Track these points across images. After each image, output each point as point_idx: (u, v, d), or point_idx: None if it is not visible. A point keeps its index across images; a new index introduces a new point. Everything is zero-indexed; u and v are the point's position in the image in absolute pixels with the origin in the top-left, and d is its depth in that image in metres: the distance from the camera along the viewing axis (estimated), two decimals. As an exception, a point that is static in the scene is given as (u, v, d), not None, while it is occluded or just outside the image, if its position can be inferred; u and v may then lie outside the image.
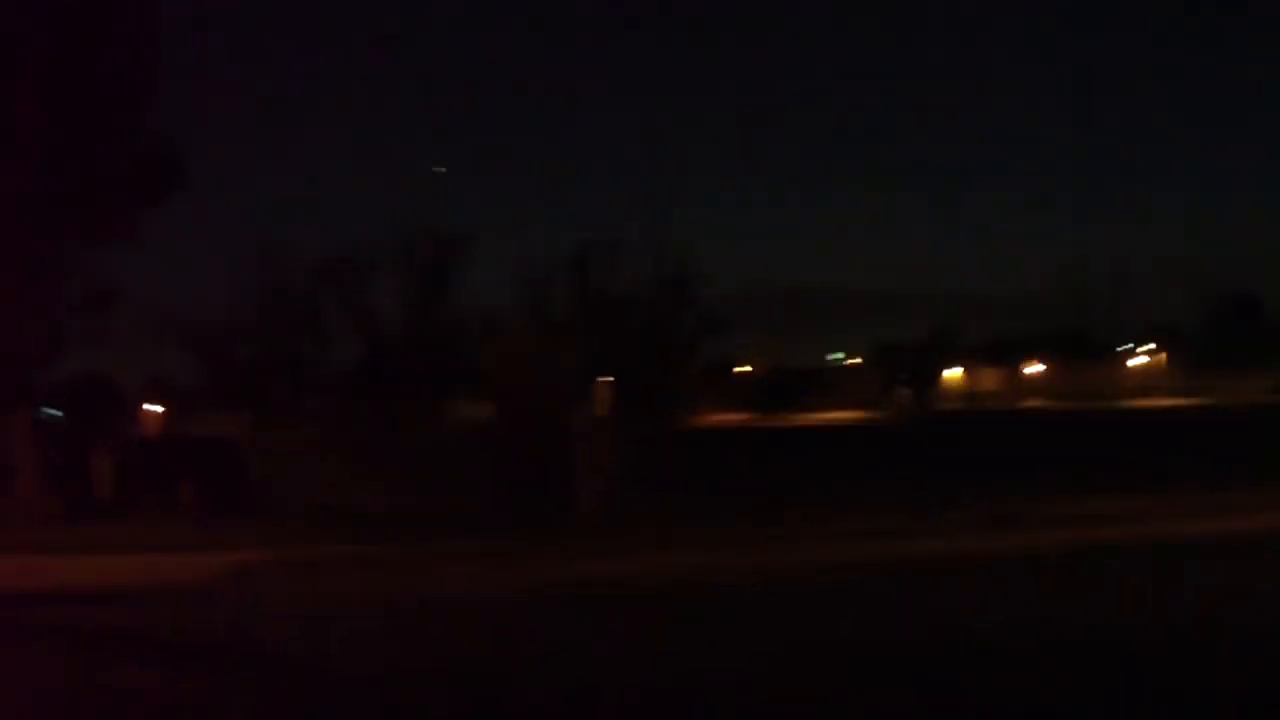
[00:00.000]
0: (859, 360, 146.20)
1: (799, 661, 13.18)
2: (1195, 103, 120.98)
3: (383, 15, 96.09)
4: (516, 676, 12.74)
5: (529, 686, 12.34)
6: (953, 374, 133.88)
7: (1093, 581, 18.25)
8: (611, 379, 36.66)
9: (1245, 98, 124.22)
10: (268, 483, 32.53)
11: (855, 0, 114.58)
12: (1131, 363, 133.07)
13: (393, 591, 18.82)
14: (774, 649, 13.76)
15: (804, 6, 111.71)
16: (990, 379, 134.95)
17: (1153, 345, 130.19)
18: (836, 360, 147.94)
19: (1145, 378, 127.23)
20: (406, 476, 32.61)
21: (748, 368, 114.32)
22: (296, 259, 37.73)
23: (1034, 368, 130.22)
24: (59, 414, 42.67)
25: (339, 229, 47.40)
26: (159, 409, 75.35)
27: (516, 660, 13.51)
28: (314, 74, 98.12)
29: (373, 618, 16.54)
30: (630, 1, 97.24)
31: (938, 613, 16.00)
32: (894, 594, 17.68)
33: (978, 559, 20.89)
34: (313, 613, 16.88)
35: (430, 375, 37.78)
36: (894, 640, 14.18)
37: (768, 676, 12.56)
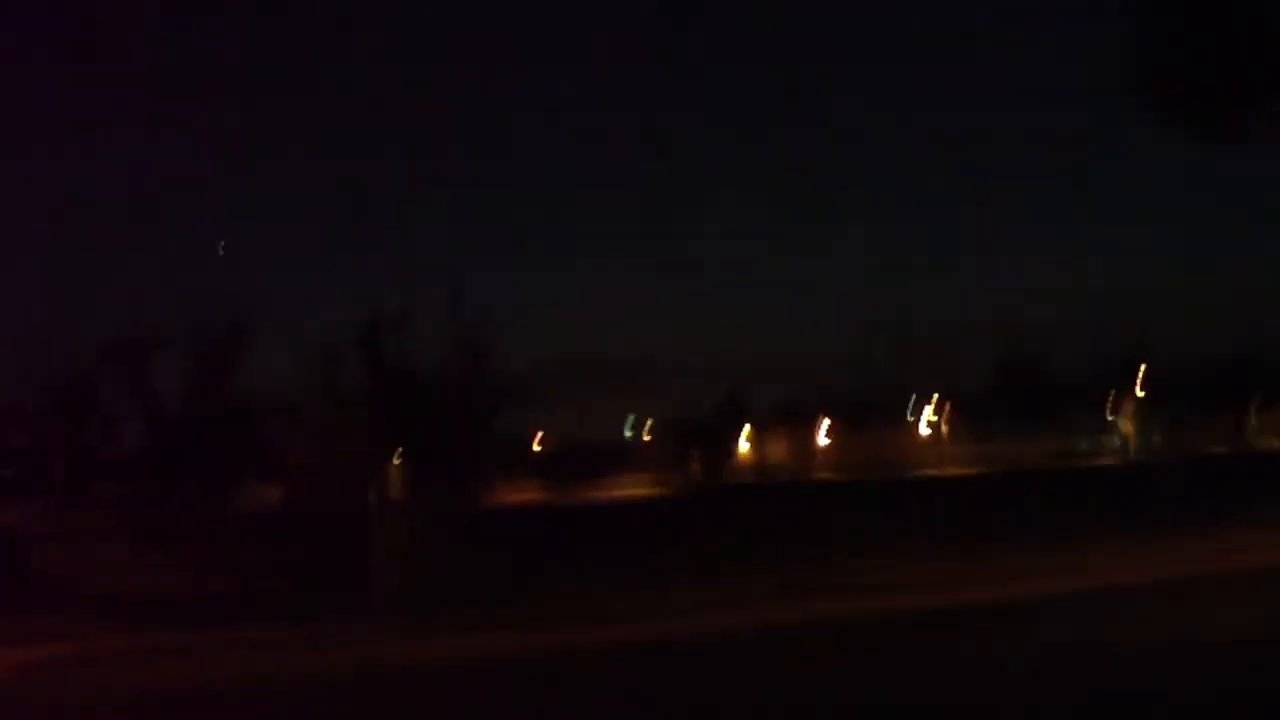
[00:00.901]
0: (649, 434, 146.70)
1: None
2: (973, 169, 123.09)
3: (167, 85, 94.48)
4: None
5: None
6: (743, 445, 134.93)
7: (880, 650, 18.48)
8: (405, 456, 36.45)
9: (1032, 160, 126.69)
10: (56, 571, 31.82)
11: (639, 76, 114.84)
12: (921, 428, 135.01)
13: (176, 682, 18.47)
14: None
15: (592, 81, 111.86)
16: (781, 449, 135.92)
17: (934, 417, 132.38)
18: (630, 433, 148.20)
19: (932, 445, 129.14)
20: (197, 561, 32.09)
21: (539, 444, 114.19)
22: (78, 339, 37.09)
23: (823, 439, 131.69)
24: None
25: (122, 308, 46.53)
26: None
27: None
28: (95, 148, 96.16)
29: (154, 712, 16.23)
30: (427, 66, 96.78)
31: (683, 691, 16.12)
32: (658, 673, 17.72)
33: (748, 632, 21.04)
34: (96, 711, 16.53)
35: (220, 457, 37.22)
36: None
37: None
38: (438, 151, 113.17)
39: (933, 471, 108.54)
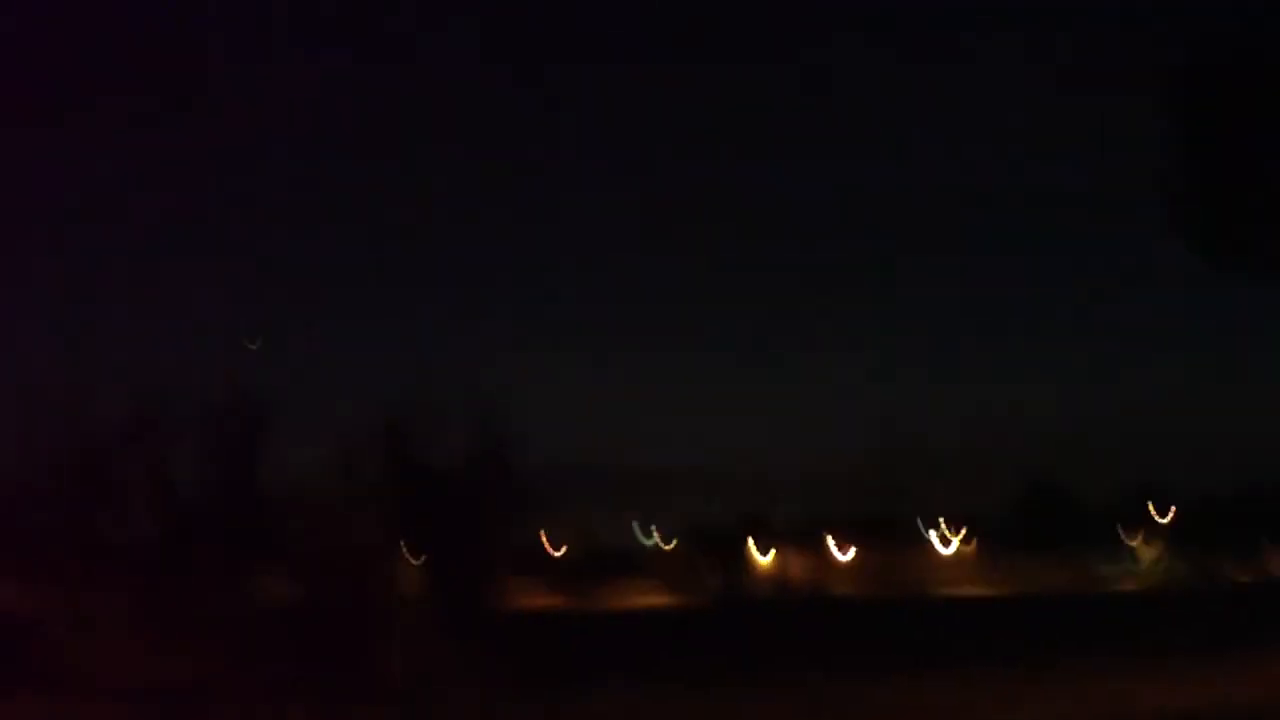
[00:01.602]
0: (668, 545, 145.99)
1: None
2: (993, 295, 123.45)
3: (188, 164, 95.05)
4: None
5: None
6: (763, 559, 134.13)
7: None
8: (421, 553, 35.84)
9: (1047, 288, 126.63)
10: (56, 659, 31.14)
11: (657, 173, 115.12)
12: (943, 550, 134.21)
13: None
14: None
15: (613, 180, 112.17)
16: (800, 564, 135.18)
17: (961, 533, 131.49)
18: (648, 542, 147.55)
19: (955, 566, 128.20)
20: (213, 650, 31.49)
21: (555, 549, 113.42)
22: (95, 421, 36.54)
23: (845, 555, 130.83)
24: None
25: (141, 393, 46.14)
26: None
27: None
28: (117, 229, 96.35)
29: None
30: (445, 163, 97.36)
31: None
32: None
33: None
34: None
35: (236, 545, 36.60)
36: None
37: None
38: (460, 244, 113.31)
39: (955, 592, 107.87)
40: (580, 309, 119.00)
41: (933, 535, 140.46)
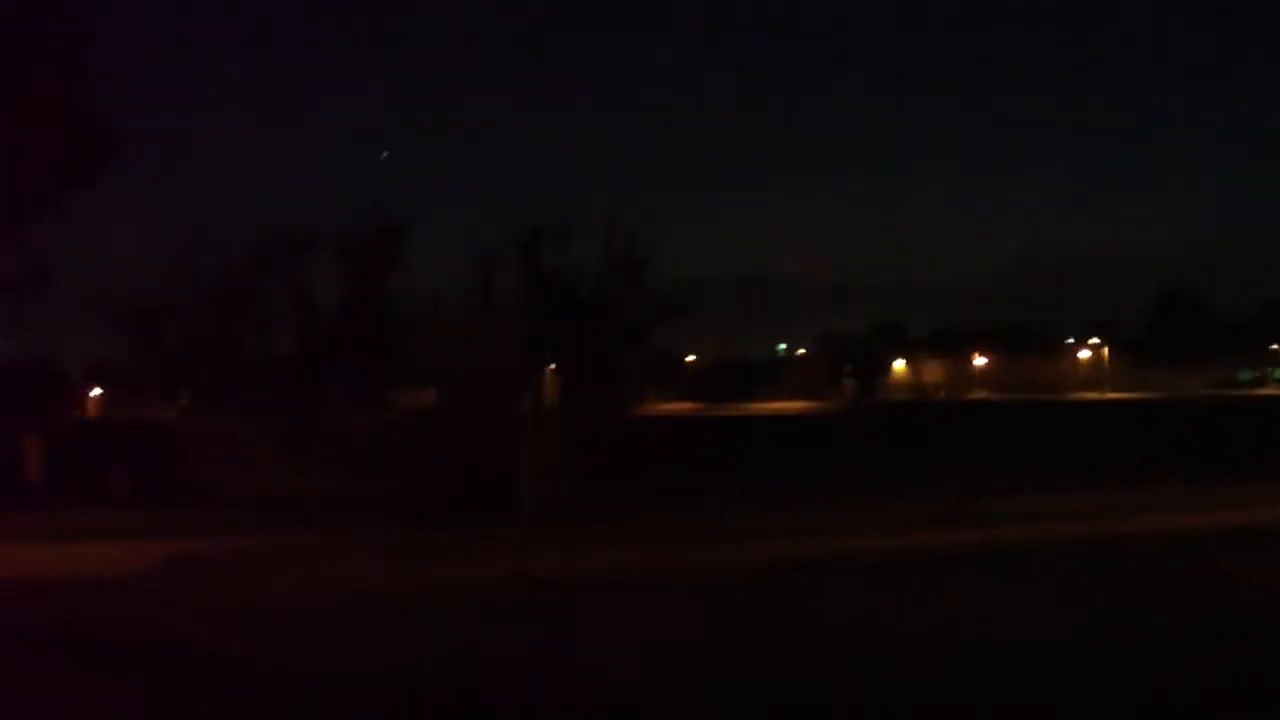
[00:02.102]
0: (804, 352, 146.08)
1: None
2: (1132, 111, 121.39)
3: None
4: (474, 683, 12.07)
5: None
6: (898, 366, 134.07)
7: (1043, 581, 17.76)
8: (559, 366, 35.95)
9: (1185, 105, 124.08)
10: (203, 470, 31.69)
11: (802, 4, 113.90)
12: (1079, 354, 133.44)
13: (326, 586, 18.05)
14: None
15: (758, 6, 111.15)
16: (935, 371, 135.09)
17: (1096, 340, 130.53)
18: (783, 351, 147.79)
19: (1089, 371, 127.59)
20: (345, 464, 31.85)
21: (694, 357, 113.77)
22: (233, 240, 36.78)
23: (979, 360, 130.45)
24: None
25: (278, 210, 46.16)
26: (98, 393, 74.36)
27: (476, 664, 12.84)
28: (254, 53, 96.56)
29: (304, 615, 15.82)
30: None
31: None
32: (847, 595, 17.12)
33: (925, 556, 20.34)
34: (243, 608, 16.20)
35: (372, 361, 36.89)
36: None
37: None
38: (601, 67, 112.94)
39: (1091, 396, 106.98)
40: (718, 124, 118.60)
41: (1069, 342, 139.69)
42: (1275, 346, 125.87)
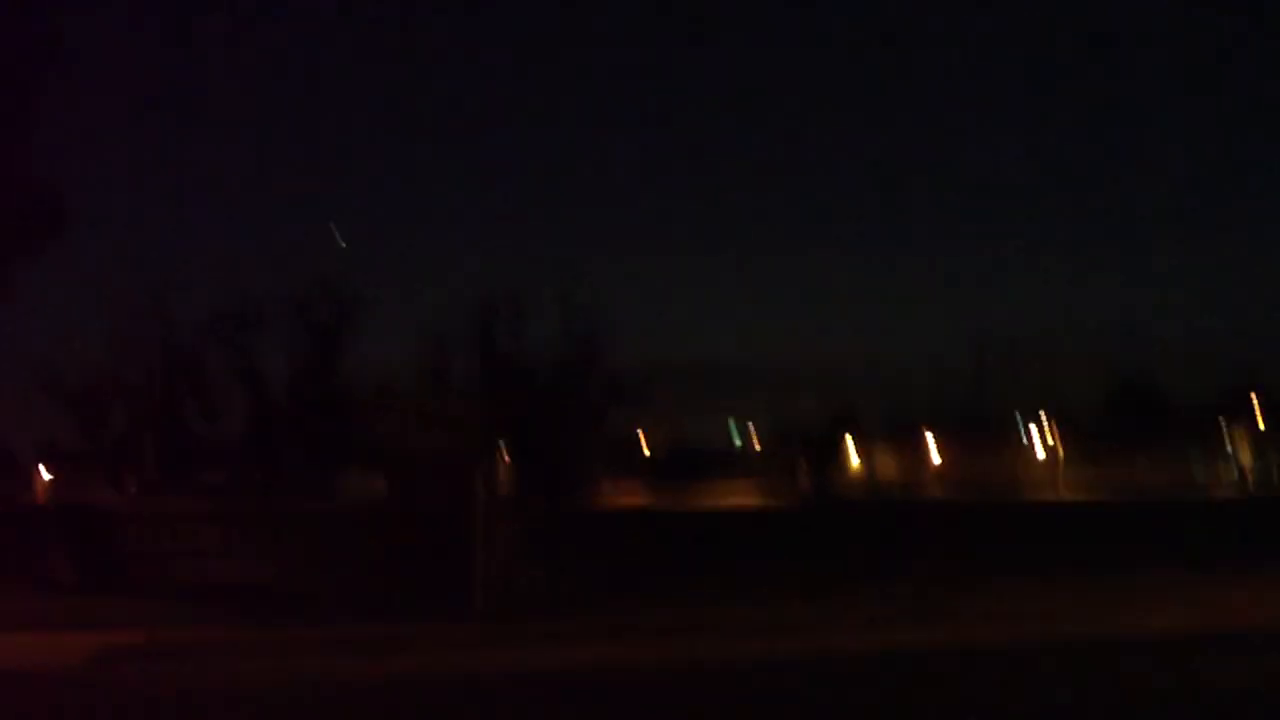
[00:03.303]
0: (759, 444, 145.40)
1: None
2: (1075, 192, 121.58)
3: (278, 64, 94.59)
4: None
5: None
6: (853, 461, 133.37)
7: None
8: (513, 452, 35.21)
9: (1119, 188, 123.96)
10: (148, 556, 30.76)
11: (769, 71, 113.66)
12: (1034, 449, 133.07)
13: (268, 681, 17.18)
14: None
15: (714, 78, 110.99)
16: (890, 465, 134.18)
17: (1048, 439, 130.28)
18: (737, 442, 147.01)
19: (1047, 468, 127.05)
20: (295, 552, 31.01)
21: (647, 447, 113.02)
22: (182, 315, 36.11)
23: (936, 457, 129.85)
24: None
25: (228, 287, 45.40)
26: (47, 475, 73.12)
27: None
28: (206, 127, 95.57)
29: (242, 710, 14.99)
30: (536, 54, 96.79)
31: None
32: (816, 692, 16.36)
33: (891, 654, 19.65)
34: (181, 704, 15.37)
35: (323, 444, 36.12)
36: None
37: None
38: (552, 141, 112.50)
39: (1049, 497, 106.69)
40: (672, 206, 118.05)
41: (1026, 436, 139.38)
42: (1229, 448, 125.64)
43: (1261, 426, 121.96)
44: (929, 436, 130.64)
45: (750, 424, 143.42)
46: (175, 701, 15.62)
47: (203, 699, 15.80)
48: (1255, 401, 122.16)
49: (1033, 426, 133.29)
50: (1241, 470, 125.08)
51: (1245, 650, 20.00)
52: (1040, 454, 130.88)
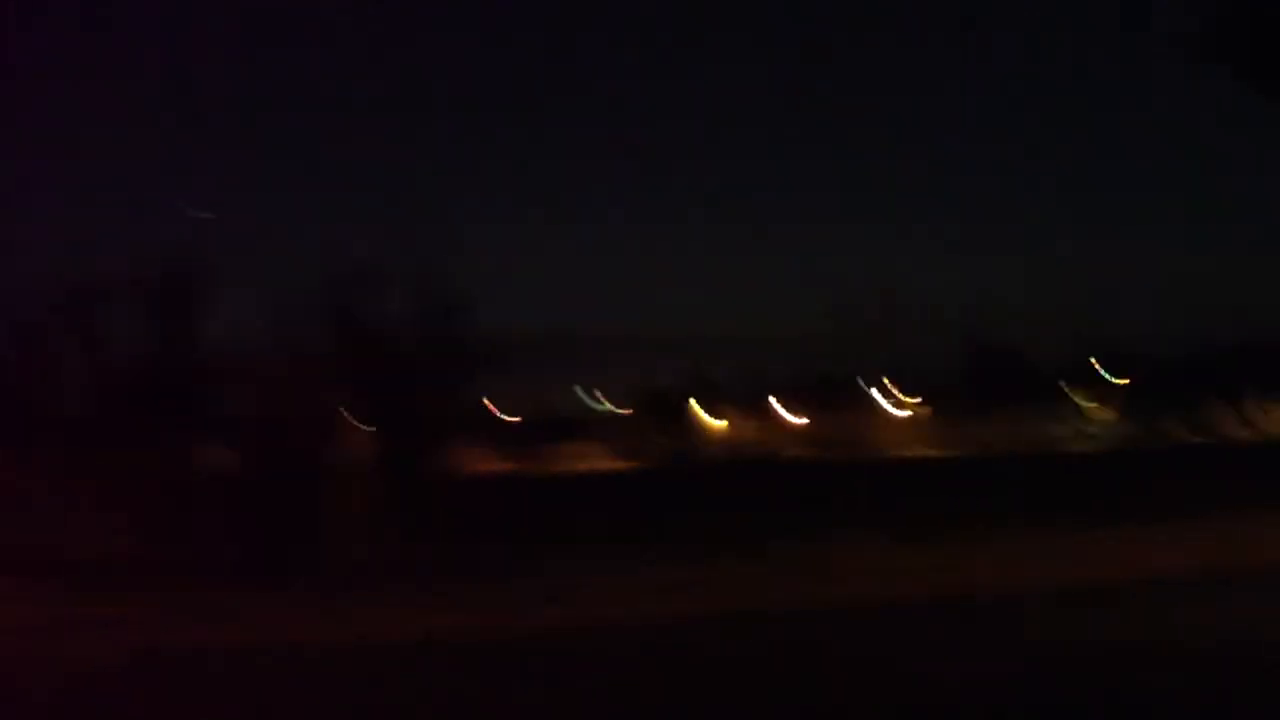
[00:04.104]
0: (615, 408, 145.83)
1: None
2: (953, 152, 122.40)
3: (126, 37, 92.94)
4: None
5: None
6: (714, 421, 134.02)
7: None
8: (369, 419, 34.80)
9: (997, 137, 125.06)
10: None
11: (634, 31, 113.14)
12: (894, 412, 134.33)
13: (106, 655, 16.79)
14: None
15: (580, 43, 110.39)
16: (750, 426, 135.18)
17: (914, 399, 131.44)
18: (597, 406, 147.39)
19: (903, 427, 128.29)
20: (146, 524, 30.50)
21: (506, 414, 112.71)
22: (27, 285, 35.27)
23: (797, 417, 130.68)
24: None
25: (77, 260, 44.25)
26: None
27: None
28: (47, 94, 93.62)
29: (87, 682, 14.63)
30: (397, 21, 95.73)
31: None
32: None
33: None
34: (35, 679, 15.01)
35: (174, 414, 35.49)
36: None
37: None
38: (407, 107, 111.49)
39: (907, 453, 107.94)
40: (528, 175, 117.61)
41: (882, 398, 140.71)
42: (1087, 404, 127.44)
43: (1113, 381, 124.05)
44: (784, 400, 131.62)
45: (608, 391, 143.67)
46: (17, 681, 15.23)
47: (43, 679, 15.42)
48: (1098, 365, 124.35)
49: (892, 389, 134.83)
50: (1093, 428, 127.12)
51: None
52: (897, 413, 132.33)
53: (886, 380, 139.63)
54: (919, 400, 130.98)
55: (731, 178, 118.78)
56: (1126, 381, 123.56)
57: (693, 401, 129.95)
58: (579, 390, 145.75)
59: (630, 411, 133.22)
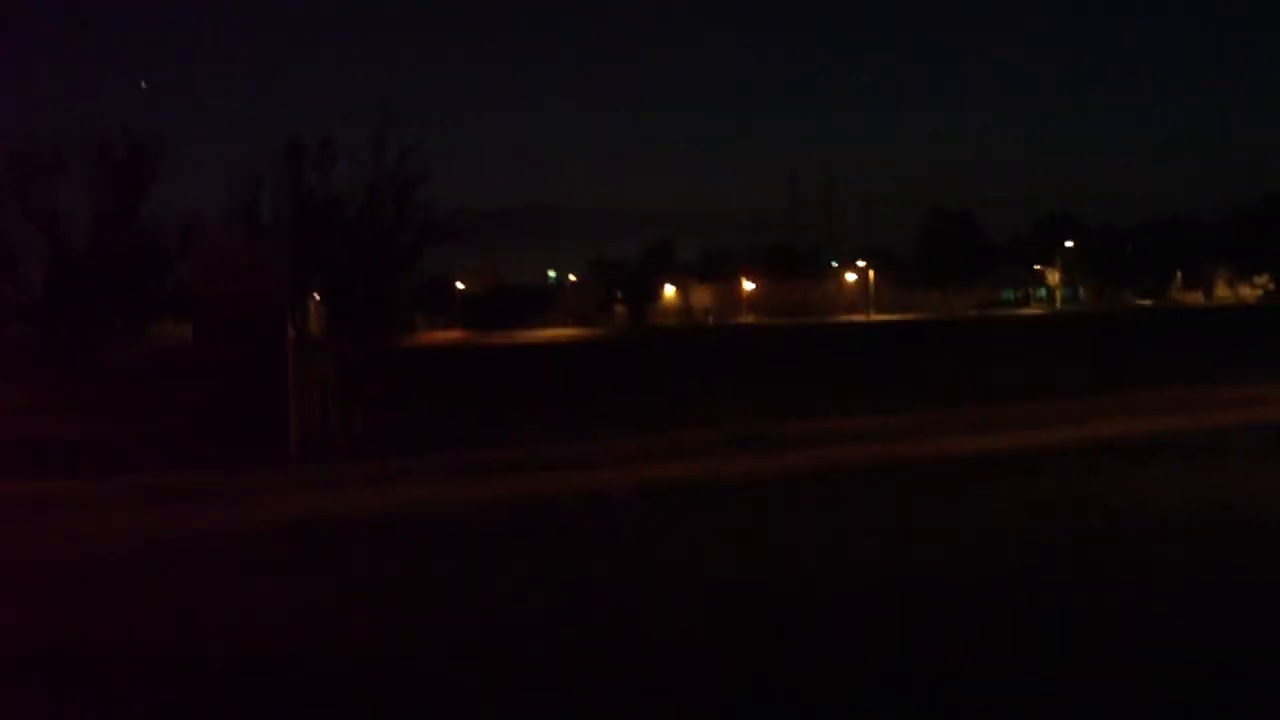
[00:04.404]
0: (574, 278, 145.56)
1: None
2: (913, 28, 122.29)
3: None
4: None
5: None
6: (669, 291, 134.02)
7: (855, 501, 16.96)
8: (325, 292, 34.53)
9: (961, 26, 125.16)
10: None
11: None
12: (847, 278, 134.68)
13: (82, 536, 16.56)
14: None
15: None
16: (705, 296, 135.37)
17: (863, 263, 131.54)
18: (554, 278, 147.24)
19: (857, 295, 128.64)
20: (105, 404, 30.16)
21: (464, 285, 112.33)
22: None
23: (748, 285, 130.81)
24: None
25: (22, 131, 43.40)
26: None
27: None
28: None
29: (49, 570, 14.43)
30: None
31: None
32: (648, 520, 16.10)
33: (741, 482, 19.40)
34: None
35: (129, 291, 35.12)
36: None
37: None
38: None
39: (858, 318, 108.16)
40: (490, 53, 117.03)
41: (836, 265, 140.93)
42: (1038, 268, 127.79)
43: (1068, 244, 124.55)
44: (740, 269, 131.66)
45: (566, 262, 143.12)
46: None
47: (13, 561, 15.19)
48: (1063, 237, 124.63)
49: (850, 259, 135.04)
50: (1050, 292, 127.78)
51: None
52: (852, 278, 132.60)
53: (845, 251, 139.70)
54: (869, 266, 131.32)
55: (694, 57, 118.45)
56: (1073, 245, 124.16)
57: (649, 272, 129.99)
58: (543, 262, 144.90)
59: (588, 282, 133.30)
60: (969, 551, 13.90)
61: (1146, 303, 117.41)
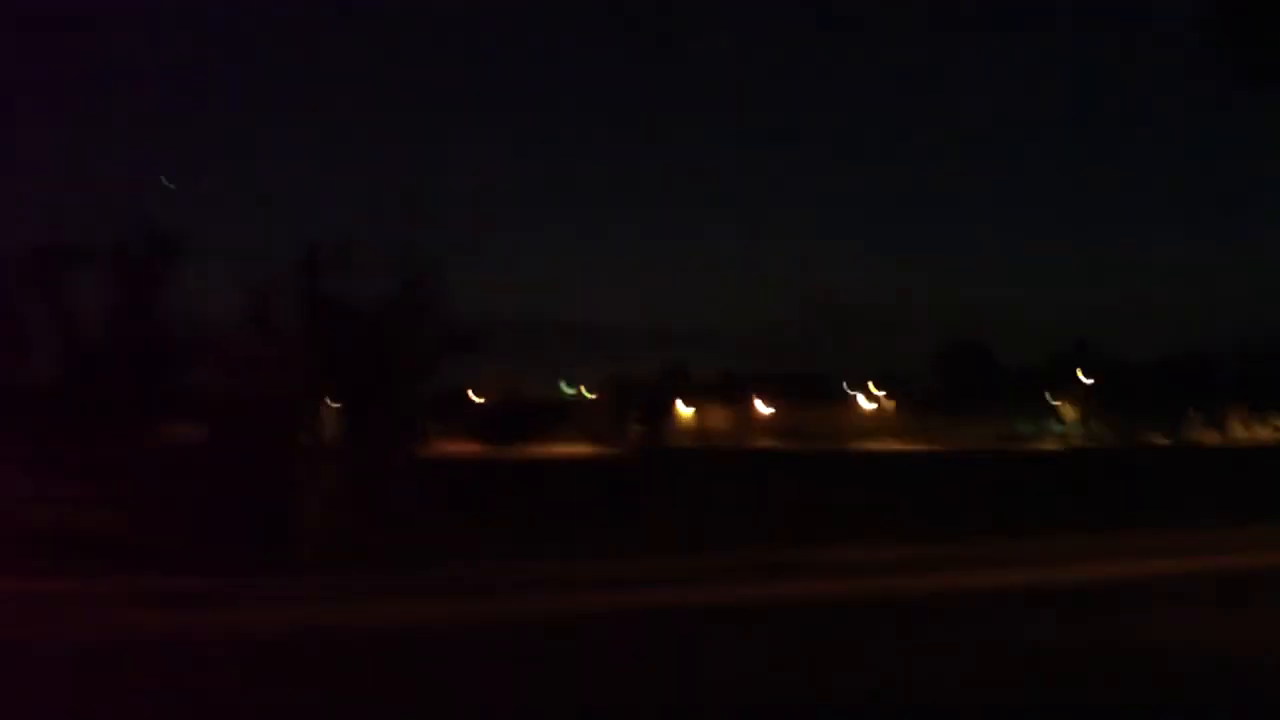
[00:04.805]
0: (592, 395, 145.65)
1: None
2: (913, 150, 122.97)
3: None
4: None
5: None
6: (685, 411, 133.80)
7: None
8: (339, 399, 34.21)
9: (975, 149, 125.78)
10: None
11: (604, 32, 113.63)
12: (864, 405, 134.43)
13: (87, 635, 16.25)
14: None
15: (560, 39, 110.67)
16: (721, 417, 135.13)
17: (883, 392, 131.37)
18: (570, 393, 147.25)
19: (875, 421, 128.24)
20: (112, 501, 29.89)
21: (479, 397, 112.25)
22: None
23: (765, 409, 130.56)
24: None
25: (45, 223, 43.44)
26: None
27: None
28: (26, 58, 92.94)
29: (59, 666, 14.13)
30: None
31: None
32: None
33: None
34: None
35: (141, 390, 34.89)
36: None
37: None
38: (394, 87, 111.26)
39: (874, 446, 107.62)
40: (512, 163, 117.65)
41: (854, 392, 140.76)
42: (1055, 402, 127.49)
43: (1086, 380, 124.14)
44: (757, 392, 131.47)
45: (583, 378, 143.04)
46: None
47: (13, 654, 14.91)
48: (1075, 371, 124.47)
49: (865, 385, 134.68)
50: (1063, 427, 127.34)
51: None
52: (868, 408, 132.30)
53: (859, 377, 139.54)
54: (887, 394, 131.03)
55: (715, 176, 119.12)
56: (1093, 383, 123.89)
57: (666, 391, 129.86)
58: (558, 376, 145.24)
59: (604, 399, 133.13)
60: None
61: (1165, 441, 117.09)
